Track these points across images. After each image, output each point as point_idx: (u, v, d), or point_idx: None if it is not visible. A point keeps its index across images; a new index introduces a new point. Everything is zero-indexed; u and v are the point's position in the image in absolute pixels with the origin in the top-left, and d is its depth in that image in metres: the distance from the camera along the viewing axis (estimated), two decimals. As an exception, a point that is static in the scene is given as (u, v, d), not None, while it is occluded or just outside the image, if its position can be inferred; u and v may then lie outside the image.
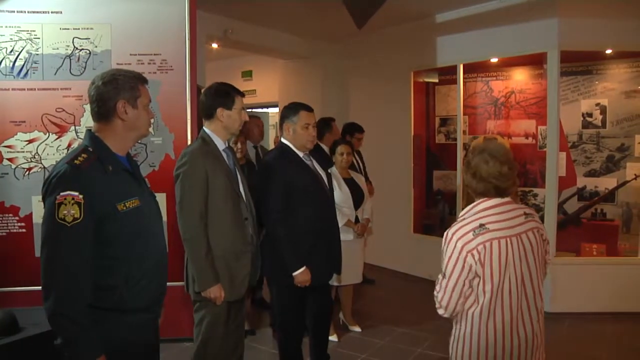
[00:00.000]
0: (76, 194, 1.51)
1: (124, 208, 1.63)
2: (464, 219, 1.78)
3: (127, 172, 1.72)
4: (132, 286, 1.65)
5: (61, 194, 1.50)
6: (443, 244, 1.77)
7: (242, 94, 2.45)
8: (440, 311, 1.80)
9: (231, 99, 2.38)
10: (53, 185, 1.53)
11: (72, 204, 1.50)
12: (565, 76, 4.65)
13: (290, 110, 2.72)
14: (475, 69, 5.18)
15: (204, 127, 2.43)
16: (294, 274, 2.61)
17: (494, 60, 4.93)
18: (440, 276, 1.80)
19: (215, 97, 2.38)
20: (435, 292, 1.81)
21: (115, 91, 1.65)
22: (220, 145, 2.40)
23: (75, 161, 1.56)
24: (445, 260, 1.75)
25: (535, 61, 4.73)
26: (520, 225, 1.76)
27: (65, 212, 1.49)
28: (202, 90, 2.47)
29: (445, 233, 1.77)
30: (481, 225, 1.71)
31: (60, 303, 1.48)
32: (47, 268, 1.51)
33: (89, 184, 1.54)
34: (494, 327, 1.73)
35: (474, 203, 1.81)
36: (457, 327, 1.84)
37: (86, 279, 1.53)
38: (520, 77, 5.13)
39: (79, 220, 1.50)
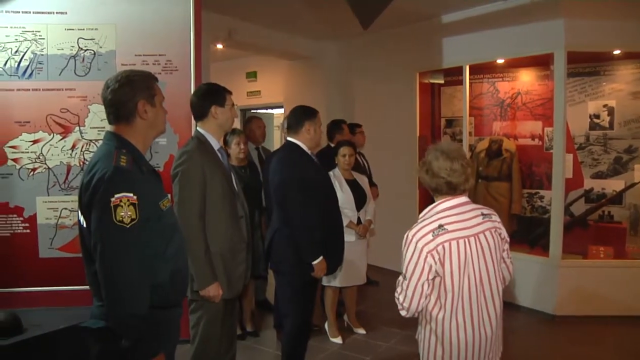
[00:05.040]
0: (131, 195, 1.53)
1: (164, 207, 1.68)
2: (423, 219, 1.83)
3: (153, 171, 1.77)
4: (174, 282, 1.71)
5: (116, 196, 1.51)
6: (403, 245, 1.81)
7: (230, 92, 2.50)
8: (403, 312, 1.84)
9: (222, 96, 2.43)
10: (104, 187, 1.52)
11: (128, 205, 1.51)
12: (572, 77, 4.60)
13: (310, 113, 2.84)
14: (481, 70, 5.15)
15: (197, 128, 2.47)
16: (314, 263, 2.68)
17: (500, 61, 4.89)
18: (400, 278, 1.83)
19: (207, 96, 2.42)
20: (396, 294, 1.85)
21: (133, 92, 1.67)
22: (215, 144, 2.44)
23: (121, 163, 1.57)
24: (406, 261, 1.78)
25: (542, 62, 4.68)
26: (478, 226, 1.81)
27: (123, 213, 1.50)
28: (192, 93, 2.51)
29: (405, 235, 1.81)
30: (440, 226, 1.77)
31: (131, 304, 1.51)
32: (112, 271, 1.51)
33: (138, 185, 1.57)
34: (456, 326, 1.78)
35: (434, 204, 1.87)
36: (422, 328, 1.89)
37: (147, 278, 1.57)
38: (526, 78, 5.08)
39: (135, 221, 1.52)
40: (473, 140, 5.25)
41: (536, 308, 4.36)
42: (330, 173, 3.61)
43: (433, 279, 1.77)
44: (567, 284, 4.19)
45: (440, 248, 1.74)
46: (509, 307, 4.17)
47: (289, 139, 2.85)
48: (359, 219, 3.75)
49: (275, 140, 7.73)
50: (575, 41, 4.10)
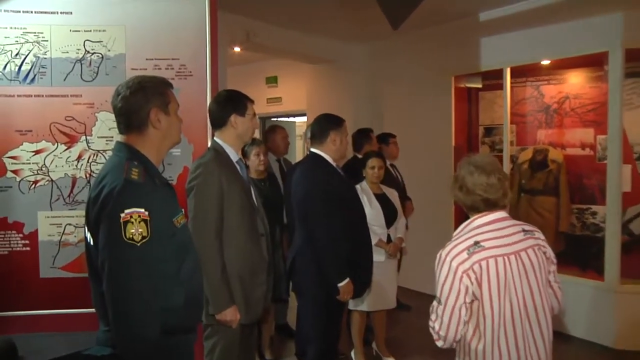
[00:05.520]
0: (142, 210, 1.48)
1: (178, 224, 1.63)
2: (458, 237, 1.75)
3: (167, 185, 1.71)
4: (188, 305, 1.65)
5: (126, 211, 1.46)
6: (436, 266, 1.73)
7: (252, 101, 2.44)
8: (439, 343, 1.74)
9: (243, 104, 2.38)
10: (113, 202, 1.48)
11: (139, 222, 1.47)
12: (630, 78, 4.26)
13: (336, 122, 2.80)
14: (524, 72, 4.92)
15: (214, 138, 2.42)
16: (340, 285, 2.60)
17: (546, 62, 4.67)
18: (435, 303, 1.74)
19: (228, 104, 2.37)
20: (430, 323, 1.75)
21: (146, 99, 1.63)
22: (234, 156, 2.38)
23: (132, 176, 1.52)
24: (440, 283, 1.70)
25: (594, 62, 4.41)
26: (519, 243, 1.72)
27: (133, 230, 1.46)
28: (211, 99, 2.44)
29: (438, 254, 1.73)
30: (476, 243, 1.68)
31: (141, 328, 1.46)
32: (120, 292, 1.47)
33: (150, 200, 1.52)
34: (499, 357, 1.66)
35: (468, 220, 1.78)
36: None
37: (159, 300, 1.52)
38: (575, 81, 4.79)
39: (147, 239, 1.47)
40: (515, 150, 5.02)
41: (591, 339, 4.06)
42: (357, 187, 3.46)
43: (471, 303, 1.67)
44: (626, 312, 3.88)
45: (476, 267, 1.65)
46: (558, 336, 3.84)
47: (312, 150, 2.79)
48: (388, 236, 3.59)
49: (298, 151, 7.51)
50: (635, 37, 3.82)
